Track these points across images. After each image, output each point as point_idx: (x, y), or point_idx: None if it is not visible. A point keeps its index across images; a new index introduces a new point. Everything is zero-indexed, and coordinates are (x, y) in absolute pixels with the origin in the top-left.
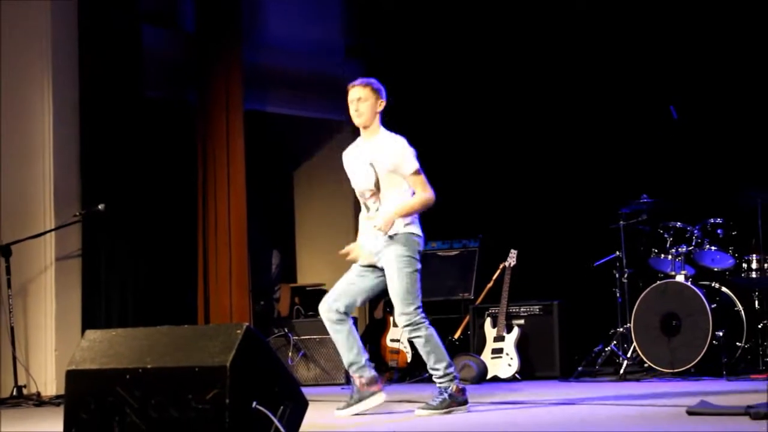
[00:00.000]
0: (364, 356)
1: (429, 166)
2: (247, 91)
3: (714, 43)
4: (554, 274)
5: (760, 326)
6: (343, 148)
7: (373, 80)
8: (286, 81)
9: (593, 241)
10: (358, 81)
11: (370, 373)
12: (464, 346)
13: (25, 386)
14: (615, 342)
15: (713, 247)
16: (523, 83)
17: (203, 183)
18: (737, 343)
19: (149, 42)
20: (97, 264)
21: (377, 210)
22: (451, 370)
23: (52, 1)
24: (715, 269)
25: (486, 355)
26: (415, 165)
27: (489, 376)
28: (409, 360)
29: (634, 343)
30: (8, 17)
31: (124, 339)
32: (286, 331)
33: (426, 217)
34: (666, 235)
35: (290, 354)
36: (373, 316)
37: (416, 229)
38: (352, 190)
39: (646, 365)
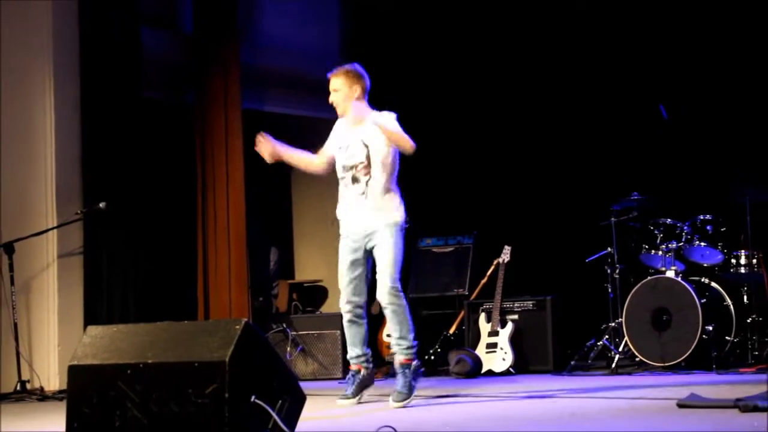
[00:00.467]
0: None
1: (425, 164)
2: (244, 90)
3: (704, 43)
4: (547, 270)
5: (748, 321)
6: None
7: (349, 67)
8: (284, 81)
9: (585, 237)
10: (334, 70)
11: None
12: (459, 341)
13: (28, 381)
14: (607, 336)
15: (703, 243)
16: (517, 83)
17: (202, 181)
18: (726, 338)
19: (148, 43)
20: (99, 261)
21: (367, 184)
22: (416, 342)
23: (53, 3)
24: (705, 265)
25: (480, 350)
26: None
27: (483, 370)
28: None
29: (626, 338)
30: (9, 18)
31: (125, 335)
32: (285, 326)
33: (421, 213)
34: (656, 232)
35: (288, 349)
36: (369, 311)
37: (403, 215)
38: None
39: (637, 359)
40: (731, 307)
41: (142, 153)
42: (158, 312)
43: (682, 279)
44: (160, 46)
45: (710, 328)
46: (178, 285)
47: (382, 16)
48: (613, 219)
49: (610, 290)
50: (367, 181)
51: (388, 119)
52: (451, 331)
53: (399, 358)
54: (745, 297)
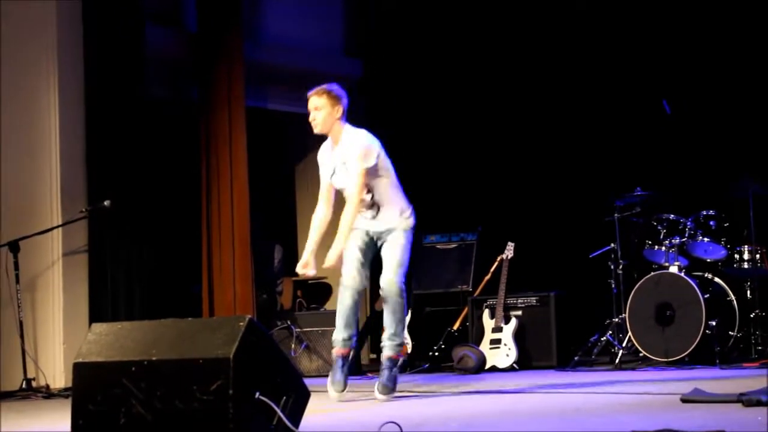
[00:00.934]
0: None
1: (428, 160)
2: (248, 88)
3: (707, 38)
4: (551, 266)
5: (752, 315)
6: None
7: (330, 87)
8: (287, 78)
9: (589, 233)
10: (314, 89)
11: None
12: (463, 337)
13: (34, 379)
14: (610, 332)
15: (706, 239)
16: (520, 78)
17: (207, 179)
18: (730, 333)
19: (152, 41)
20: (104, 259)
21: (373, 204)
22: (405, 342)
23: (57, 1)
24: (708, 260)
25: (484, 346)
26: (360, 167)
27: (487, 366)
28: (409, 351)
29: (629, 333)
30: (14, 16)
31: (129, 332)
32: (289, 323)
33: (425, 210)
34: (660, 227)
35: (293, 346)
36: (374, 308)
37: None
38: None
39: (641, 354)
40: (734, 302)
41: (146, 151)
42: (163, 309)
43: (685, 274)
44: (164, 43)
45: (713, 323)
46: (183, 282)
47: (387, 13)
48: (616, 215)
49: (613, 286)
50: (373, 201)
51: (354, 158)
52: (455, 327)
53: (388, 353)
54: (749, 292)
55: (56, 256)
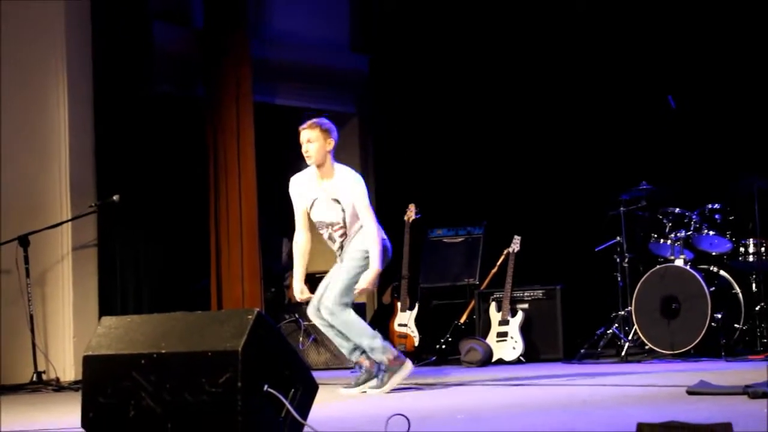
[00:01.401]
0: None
1: (434, 156)
2: (256, 84)
3: (712, 32)
4: (557, 260)
5: (757, 308)
6: (349, 138)
7: (321, 120)
8: (294, 74)
9: (594, 227)
10: (307, 123)
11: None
12: (470, 330)
13: (44, 372)
14: (616, 325)
15: (711, 232)
16: (526, 73)
17: (215, 174)
18: (735, 325)
19: (160, 38)
20: (113, 253)
21: (341, 245)
22: (383, 340)
23: (65, 0)
24: (714, 253)
25: (491, 339)
26: (367, 201)
27: (494, 358)
28: (416, 344)
29: (635, 326)
30: (23, 14)
31: (139, 325)
32: (297, 316)
33: (432, 204)
34: (665, 221)
35: (301, 339)
36: (381, 301)
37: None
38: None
39: (646, 347)
40: (740, 295)
41: (154, 146)
42: (171, 303)
43: (690, 267)
44: (171, 40)
45: (719, 315)
46: (191, 276)
47: (393, 9)
48: (622, 208)
49: (619, 279)
50: (342, 242)
51: (358, 196)
52: (462, 320)
53: (378, 359)
54: (754, 285)
55: (66, 250)
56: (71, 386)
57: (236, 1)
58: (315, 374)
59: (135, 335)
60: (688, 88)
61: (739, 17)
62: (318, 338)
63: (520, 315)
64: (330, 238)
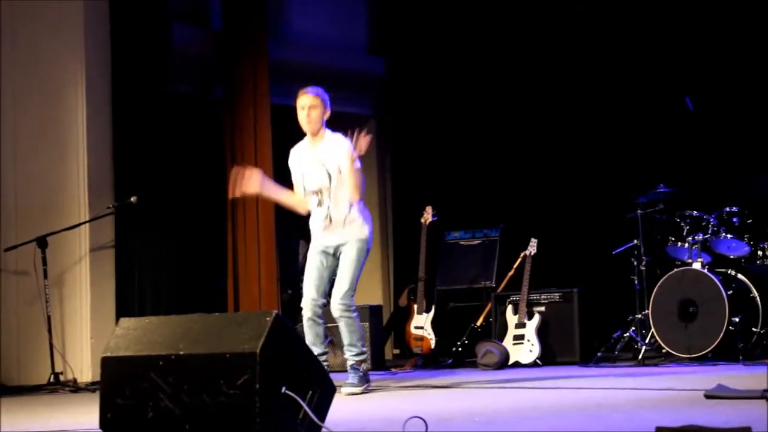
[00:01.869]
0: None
1: (451, 158)
2: (273, 85)
3: (729, 33)
4: (574, 263)
5: None
6: None
7: (320, 90)
8: (311, 76)
9: (612, 229)
10: (309, 89)
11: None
12: (486, 333)
13: (61, 373)
14: (633, 328)
15: (729, 235)
16: (543, 75)
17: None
18: (753, 329)
19: (179, 39)
20: (130, 254)
21: (329, 207)
22: (365, 349)
23: (84, 0)
24: (731, 257)
25: (507, 342)
26: (351, 156)
27: (510, 361)
28: (432, 346)
29: (652, 329)
30: (42, 14)
31: (157, 327)
32: None
33: (449, 207)
34: (683, 224)
35: None
36: (397, 303)
37: (370, 232)
38: (371, 180)
39: (664, 351)
40: (758, 298)
41: (172, 147)
42: (189, 304)
43: (708, 271)
44: (190, 41)
45: (737, 319)
46: (209, 278)
47: (410, 12)
48: (639, 211)
49: (636, 282)
50: (328, 206)
51: (344, 152)
52: (479, 323)
53: (350, 362)
54: None
55: (83, 251)
56: (88, 387)
57: (255, 2)
58: (332, 376)
59: (153, 337)
60: (706, 89)
61: (757, 18)
62: (334, 340)
63: (536, 318)
64: (319, 204)
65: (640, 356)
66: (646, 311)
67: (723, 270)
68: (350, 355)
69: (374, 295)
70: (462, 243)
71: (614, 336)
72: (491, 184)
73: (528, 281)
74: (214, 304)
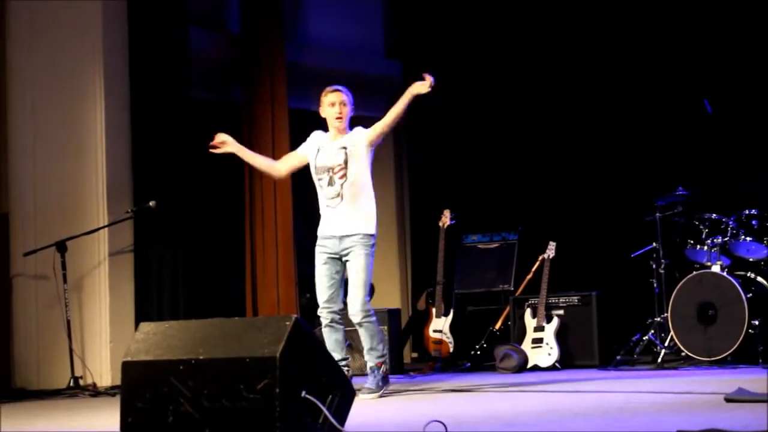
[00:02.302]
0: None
1: (469, 162)
2: (291, 89)
3: (747, 35)
4: (592, 266)
5: None
6: (383, 144)
7: (349, 90)
8: (328, 79)
9: (630, 233)
10: (339, 86)
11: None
12: (505, 336)
13: (81, 377)
14: (652, 331)
15: (748, 238)
16: (562, 78)
17: (250, 179)
18: None
19: (196, 43)
20: (149, 259)
21: (339, 191)
22: (386, 352)
23: (102, 3)
24: (751, 259)
25: (526, 345)
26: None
27: (529, 365)
28: (451, 350)
29: (672, 333)
30: (60, 18)
31: (177, 331)
32: None
33: (467, 210)
34: (701, 227)
35: None
36: (415, 307)
37: (375, 227)
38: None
39: (683, 354)
40: None
41: (190, 151)
42: (207, 309)
43: (727, 274)
44: (207, 45)
45: (756, 322)
46: (227, 282)
47: (427, 15)
48: (658, 214)
49: (655, 285)
50: (342, 184)
51: (361, 133)
52: (497, 326)
53: (369, 364)
54: None
55: (102, 256)
56: (108, 391)
57: (272, 6)
58: (353, 380)
59: (173, 341)
60: (724, 92)
61: None
62: (353, 344)
63: (555, 321)
64: (330, 182)
65: (659, 359)
66: (665, 314)
67: (742, 273)
68: (370, 357)
69: (392, 298)
70: (480, 246)
71: (633, 339)
72: (509, 187)
73: (546, 284)
74: (233, 308)
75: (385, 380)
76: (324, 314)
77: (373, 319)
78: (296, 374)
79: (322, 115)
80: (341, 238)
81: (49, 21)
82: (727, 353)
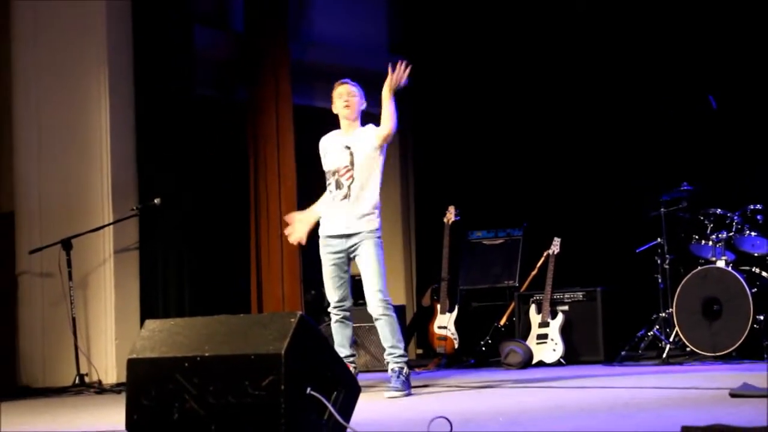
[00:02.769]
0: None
1: (474, 158)
2: (295, 86)
3: (751, 30)
4: (597, 261)
5: None
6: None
7: (359, 85)
8: (333, 76)
9: (635, 228)
10: (347, 80)
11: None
12: (510, 332)
13: (86, 374)
14: (657, 327)
15: (753, 233)
16: (567, 74)
17: (255, 176)
18: None
19: (201, 41)
20: (154, 256)
21: (347, 192)
22: (406, 351)
23: (107, 2)
24: (755, 254)
25: (531, 341)
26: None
27: (534, 361)
28: (456, 346)
29: (677, 328)
30: (64, 17)
31: (182, 328)
32: None
33: (472, 206)
34: (706, 222)
35: None
36: (420, 303)
37: (380, 224)
38: (394, 180)
39: (688, 349)
40: None
41: (195, 150)
42: (212, 306)
43: (732, 269)
44: (212, 44)
45: (761, 317)
46: (232, 279)
47: (431, 10)
48: (662, 209)
49: (660, 281)
50: (349, 185)
51: (370, 132)
52: (502, 322)
53: (392, 366)
54: None
55: (108, 253)
56: (113, 389)
57: (276, 4)
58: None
59: (178, 338)
60: (728, 87)
61: None
62: (358, 341)
63: (560, 317)
64: (337, 185)
65: (664, 355)
66: (670, 310)
67: (747, 268)
68: (392, 358)
69: (397, 294)
70: (485, 242)
71: (638, 335)
72: (514, 184)
73: (551, 280)
74: (238, 305)
75: (408, 383)
76: (335, 311)
77: (392, 313)
78: (301, 371)
79: (335, 111)
80: (348, 236)
81: (54, 21)
82: (732, 348)
